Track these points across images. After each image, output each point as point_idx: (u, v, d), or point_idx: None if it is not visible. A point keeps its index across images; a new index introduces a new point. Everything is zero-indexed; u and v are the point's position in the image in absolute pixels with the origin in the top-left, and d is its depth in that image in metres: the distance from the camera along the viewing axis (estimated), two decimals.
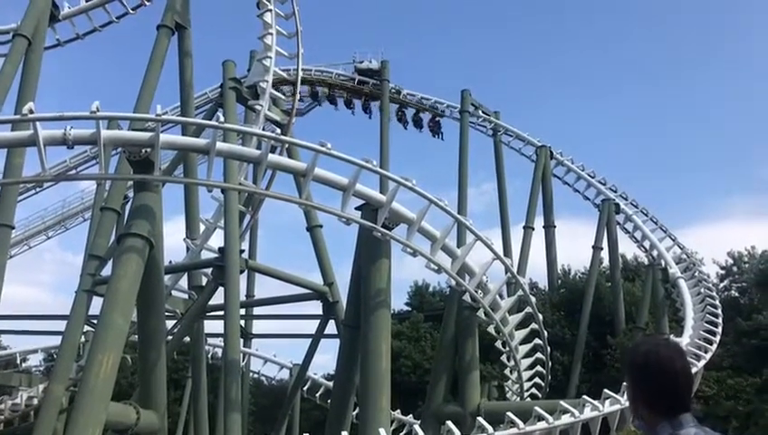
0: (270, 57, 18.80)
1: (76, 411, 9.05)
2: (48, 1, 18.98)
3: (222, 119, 11.49)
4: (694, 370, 17.87)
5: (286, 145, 17.54)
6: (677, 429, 2.01)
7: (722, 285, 29.84)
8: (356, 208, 12.26)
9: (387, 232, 11.82)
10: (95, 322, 15.22)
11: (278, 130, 17.69)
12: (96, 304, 16.72)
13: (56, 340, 24.24)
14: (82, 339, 20.53)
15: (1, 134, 10.23)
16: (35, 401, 24.60)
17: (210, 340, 24.75)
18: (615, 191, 30.00)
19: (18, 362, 32.76)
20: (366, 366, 12.05)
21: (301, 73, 20.67)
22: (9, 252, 22.13)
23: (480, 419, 12.04)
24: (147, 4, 21.85)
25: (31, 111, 9.50)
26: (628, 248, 31.69)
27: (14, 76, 17.90)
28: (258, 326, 28.63)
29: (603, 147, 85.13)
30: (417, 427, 11.71)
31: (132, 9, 22.02)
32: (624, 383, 11.38)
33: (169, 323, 17.46)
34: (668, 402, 2.06)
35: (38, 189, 37.68)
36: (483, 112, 32.47)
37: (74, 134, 9.66)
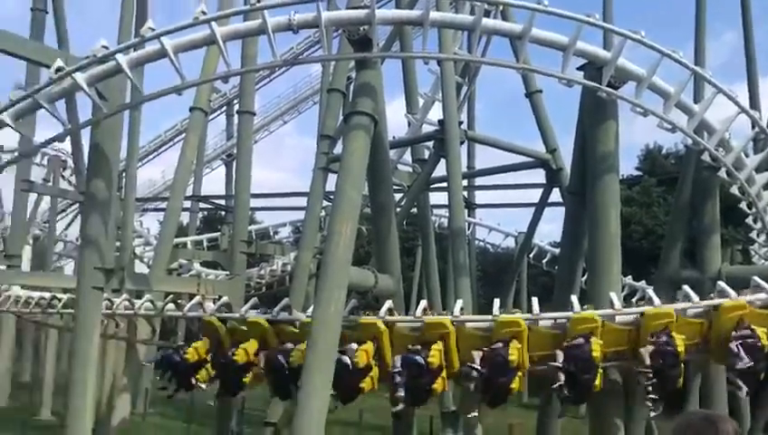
0: None
1: (323, 275, 9.99)
2: None
3: None
4: None
5: (500, 7, 16.86)
6: None
7: None
8: (578, 69, 11.56)
9: (613, 91, 11.05)
10: (332, 196, 16.49)
11: None
12: (331, 180, 18.06)
13: (300, 214, 26.76)
14: (322, 213, 22.45)
15: (234, 26, 10.96)
16: (288, 268, 27.76)
17: (436, 211, 25.68)
18: None
19: (271, 234, 36.96)
20: (594, 233, 11.77)
21: None
22: (254, 137, 24.43)
23: (721, 283, 11.32)
24: None
25: (258, 0, 10.04)
26: None
27: None
28: (481, 197, 29.08)
29: None
30: (650, 291, 11.33)
31: None
32: None
33: (397, 196, 18.37)
34: None
35: (271, 77, 40.71)
36: None
37: (298, 19, 10.09)
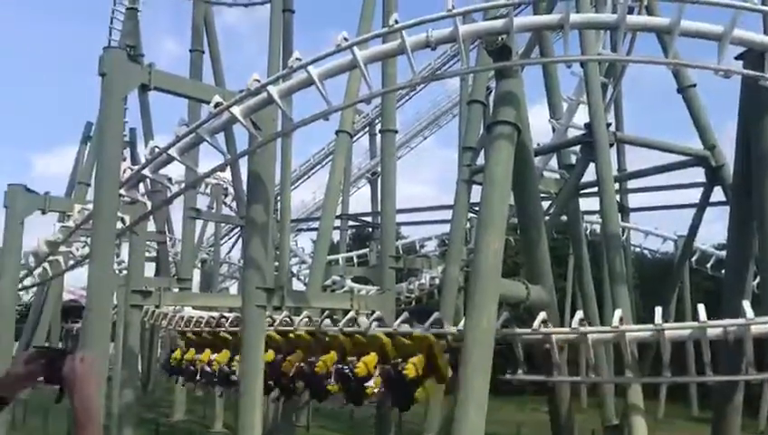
0: None
1: (473, 288, 9.93)
2: None
3: None
4: None
5: (645, 2, 16.15)
6: None
7: None
8: (735, 58, 10.81)
9: None
10: (477, 208, 16.43)
11: None
12: (475, 192, 18.02)
13: (445, 227, 26.88)
14: (468, 225, 22.41)
15: (375, 48, 11.27)
16: (437, 281, 27.92)
17: (587, 217, 24.85)
18: None
19: (417, 248, 37.36)
20: (764, 233, 10.89)
21: None
22: (396, 154, 24.91)
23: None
24: None
25: (396, 22, 10.28)
26: None
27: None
28: (634, 200, 27.80)
29: None
30: None
31: None
32: None
33: (545, 204, 17.97)
34: None
35: (410, 94, 41.41)
36: None
37: (436, 35, 10.20)
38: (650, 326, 9.97)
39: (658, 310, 10.21)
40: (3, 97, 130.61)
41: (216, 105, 10.96)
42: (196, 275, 33.94)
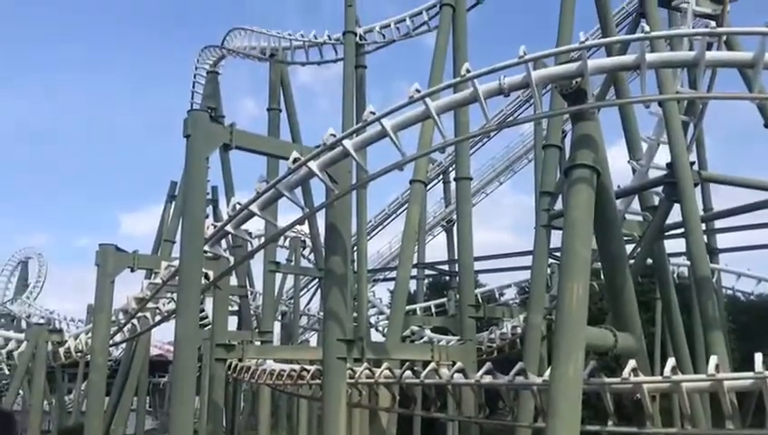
0: None
1: (558, 337, 9.60)
2: None
3: (647, 29, 10.79)
4: None
5: (724, 37, 15.68)
6: None
7: None
8: None
9: None
10: (557, 254, 16.04)
11: (712, 24, 15.90)
12: (555, 237, 17.63)
13: (524, 274, 26.38)
14: (548, 271, 21.90)
15: (447, 98, 11.33)
16: (518, 330, 27.29)
17: (673, 259, 23.89)
18: None
19: (497, 296, 36.71)
20: None
21: None
22: (471, 201, 24.80)
23: None
24: None
25: (468, 71, 10.34)
26: None
27: (447, 46, 19.89)
28: (723, 240, 26.57)
29: None
30: None
31: None
32: None
33: (629, 247, 17.37)
34: None
35: (483, 141, 41.39)
36: None
37: (508, 82, 10.19)
38: (751, 374, 9.38)
39: (758, 356, 9.60)
40: (93, 160, 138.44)
41: (295, 161, 11.23)
42: (277, 328, 34.34)
